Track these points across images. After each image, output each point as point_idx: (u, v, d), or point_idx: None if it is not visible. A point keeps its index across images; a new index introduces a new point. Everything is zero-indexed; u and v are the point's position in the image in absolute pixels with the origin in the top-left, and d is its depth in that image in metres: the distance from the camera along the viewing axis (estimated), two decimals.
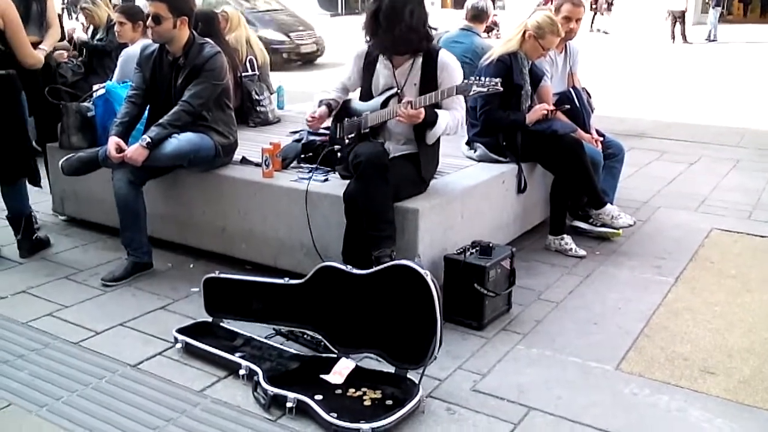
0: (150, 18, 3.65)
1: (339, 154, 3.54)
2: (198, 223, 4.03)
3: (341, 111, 3.55)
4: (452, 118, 3.36)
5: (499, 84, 3.17)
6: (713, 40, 19.29)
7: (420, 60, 3.35)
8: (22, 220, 4.09)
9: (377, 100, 3.41)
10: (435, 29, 3.42)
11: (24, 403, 2.63)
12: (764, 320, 3.35)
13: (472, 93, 3.18)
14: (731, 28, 21.65)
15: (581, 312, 3.44)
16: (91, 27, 6.35)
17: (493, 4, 6.24)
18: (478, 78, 3.20)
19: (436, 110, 3.31)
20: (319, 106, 3.52)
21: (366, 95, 3.50)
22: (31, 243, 4.14)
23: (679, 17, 19.06)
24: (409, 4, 3.25)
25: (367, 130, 3.41)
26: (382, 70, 3.43)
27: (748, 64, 14.57)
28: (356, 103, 3.52)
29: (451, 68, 3.35)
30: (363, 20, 3.38)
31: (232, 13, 5.52)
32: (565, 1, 4.48)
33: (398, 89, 3.37)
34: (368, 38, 3.39)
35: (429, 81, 3.32)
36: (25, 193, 4.12)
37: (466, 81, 3.20)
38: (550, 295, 3.63)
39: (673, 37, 19.04)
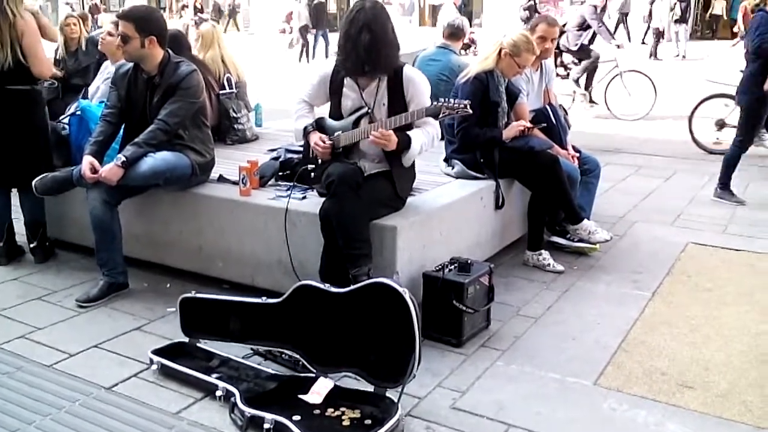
0: (119, 37, 3.65)
1: (313, 174, 3.54)
2: (174, 243, 3.99)
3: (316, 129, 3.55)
4: (426, 136, 3.38)
5: (468, 106, 3.19)
6: (683, 57, 19.55)
7: (386, 79, 3.36)
8: (39, 226, 4.26)
9: (349, 120, 3.41)
10: None
11: None
12: (740, 333, 3.38)
13: (440, 116, 3.21)
14: (702, 45, 21.99)
15: (559, 327, 3.45)
16: (63, 44, 6.23)
17: (470, 22, 6.29)
18: (447, 100, 3.20)
19: (408, 133, 3.31)
20: (310, 131, 3.48)
21: (336, 116, 3.50)
22: (45, 249, 4.31)
23: (660, 34, 19.33)
24: (389, 22, 3.29)
25: (340, 150, 3.41)
26: (349, 92, 3.43)
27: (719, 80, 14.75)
28: (329, 122, 3.51)
29: (416, 82, 3.37)
30: (353, 53, 3.26)
31: (205, 32, 5.48)
32: (541, 21, 4.57)
33: (369, 109, 3.38)
34: (366, 68, 3.30)
35: (397, 99, 3.34)
36: (42, 200, 4.18)
37: (435, 103, 3.21)
38: (528, 311, 3.63)
39: (652, 55, 19.27)
